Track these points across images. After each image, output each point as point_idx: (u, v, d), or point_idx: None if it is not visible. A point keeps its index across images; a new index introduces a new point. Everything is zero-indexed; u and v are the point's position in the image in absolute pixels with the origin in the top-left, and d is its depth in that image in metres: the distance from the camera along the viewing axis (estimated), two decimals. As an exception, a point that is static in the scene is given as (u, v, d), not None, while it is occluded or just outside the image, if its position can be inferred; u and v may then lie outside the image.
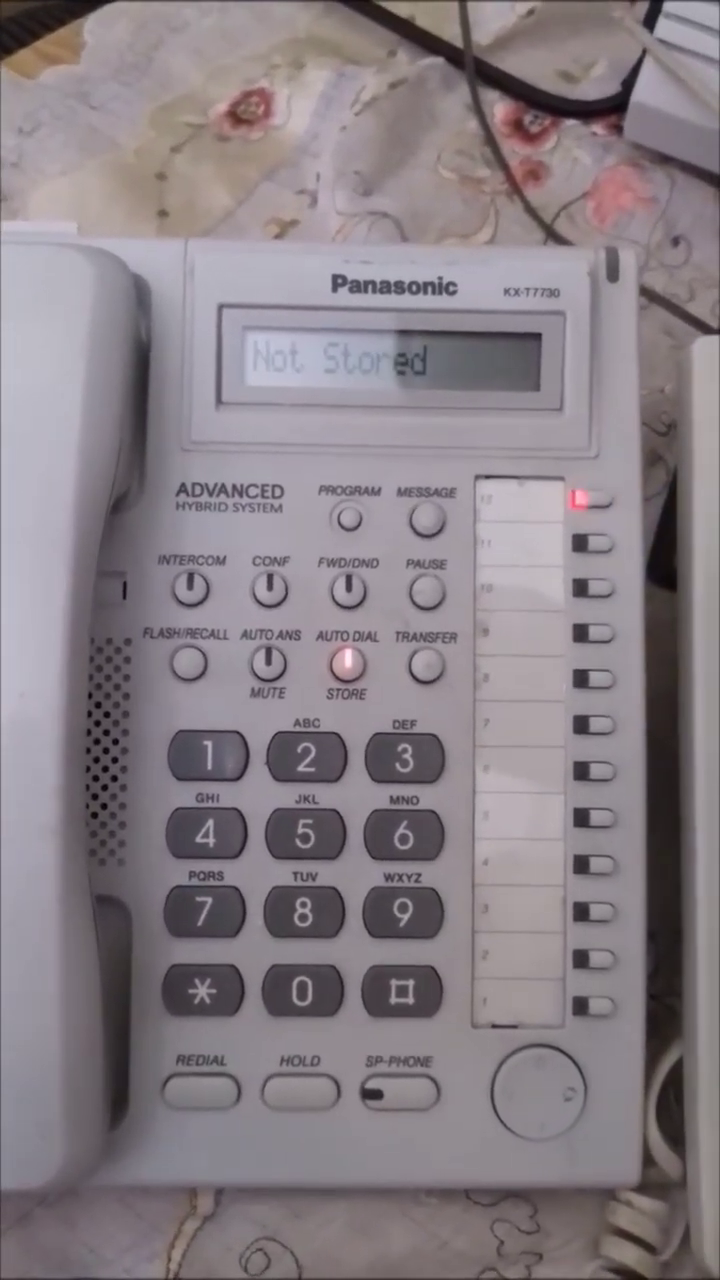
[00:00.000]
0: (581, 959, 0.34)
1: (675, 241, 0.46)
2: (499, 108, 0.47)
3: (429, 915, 0.34)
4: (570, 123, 0.47)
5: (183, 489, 0.35)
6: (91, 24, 0.47)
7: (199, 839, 0.34)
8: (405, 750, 0.34)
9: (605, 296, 0.36)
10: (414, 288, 0.35)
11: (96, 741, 0.34)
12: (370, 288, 0.35)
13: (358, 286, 0.35)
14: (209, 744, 0.34)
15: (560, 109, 0.47)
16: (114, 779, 0.34)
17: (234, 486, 0.35)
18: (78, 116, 0.46)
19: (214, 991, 0.34)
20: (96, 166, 0.45)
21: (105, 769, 0.34)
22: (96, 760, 0.34)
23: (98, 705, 0.34)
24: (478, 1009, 0.34)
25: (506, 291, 0.35)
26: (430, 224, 0.45)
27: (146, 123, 0.46)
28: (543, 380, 0.35)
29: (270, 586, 0.34)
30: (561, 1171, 0.34)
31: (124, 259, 0.33)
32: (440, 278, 0.35)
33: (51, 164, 0.45)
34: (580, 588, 0.35)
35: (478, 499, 0.35)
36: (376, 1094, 0.34)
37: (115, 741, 0.34)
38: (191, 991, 0.34)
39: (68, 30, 0.47)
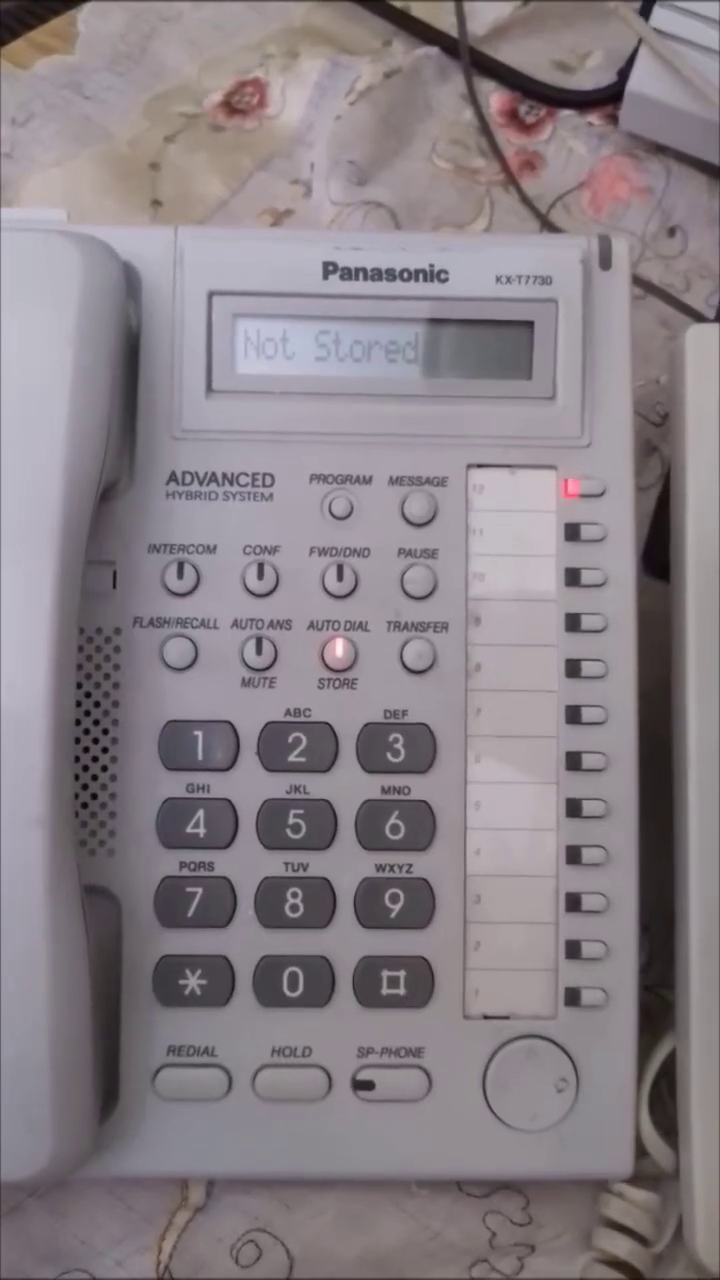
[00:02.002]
0: (574, 950, 0.34)
1: (671, 232, 0.45)
2: (494, 98, 0.47)
3: (420, 906, 0.34)
4: (566, 113, 0.47)
5: (173, 477, 0.35)
6: (85, 14, 0.47)
7: (189, 829, 0.34)
8: (396, 740, 0.34)
9: (598, 285, 0.36)
10: (405, 275, 0.35)
11: (86, 731, 0.34)
12: (361, 275, 0.35)
13: (349, 274, 0.35)
14: (199, 734, 0.34)
15: (556, 99, 0.47)
16: (104, 769, 0.34)
17: (224, 475, 0.35)
18: (71, 107, 0.46)
19: (205, 982, 0.34)
20: (90, 156, 0.45)
21: (95, 759, 0.34)
22: (86, 750, 0.34)
23: (87, 695, 0.34)
24: (469, 1000, 0.34)
25: (498, 279, 0.35)
26: (425, 214, 0.45)
27: (140, 113, 0.46)
28: (535, 369, 0.35)
29: (261, 576, 0.34)
30: (554, 1163, 0.34)
31: (113, 246, 0.33)
32: (432, 265, 0.35)
33: (45, 154, 0.45)
34: (573, 577, 0.35)
35: (469, 488, 0.35)
36: (368, 1085, 0.34)
37: (105, 731, 0.34)
38: (182, 982, 0.34)
39: (61, 20, 0.47)
